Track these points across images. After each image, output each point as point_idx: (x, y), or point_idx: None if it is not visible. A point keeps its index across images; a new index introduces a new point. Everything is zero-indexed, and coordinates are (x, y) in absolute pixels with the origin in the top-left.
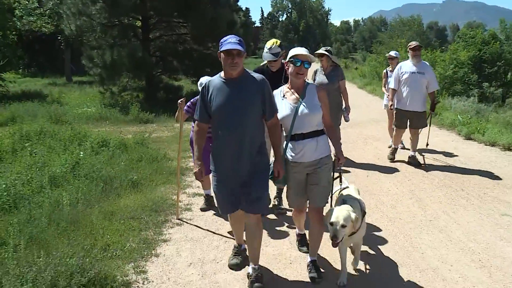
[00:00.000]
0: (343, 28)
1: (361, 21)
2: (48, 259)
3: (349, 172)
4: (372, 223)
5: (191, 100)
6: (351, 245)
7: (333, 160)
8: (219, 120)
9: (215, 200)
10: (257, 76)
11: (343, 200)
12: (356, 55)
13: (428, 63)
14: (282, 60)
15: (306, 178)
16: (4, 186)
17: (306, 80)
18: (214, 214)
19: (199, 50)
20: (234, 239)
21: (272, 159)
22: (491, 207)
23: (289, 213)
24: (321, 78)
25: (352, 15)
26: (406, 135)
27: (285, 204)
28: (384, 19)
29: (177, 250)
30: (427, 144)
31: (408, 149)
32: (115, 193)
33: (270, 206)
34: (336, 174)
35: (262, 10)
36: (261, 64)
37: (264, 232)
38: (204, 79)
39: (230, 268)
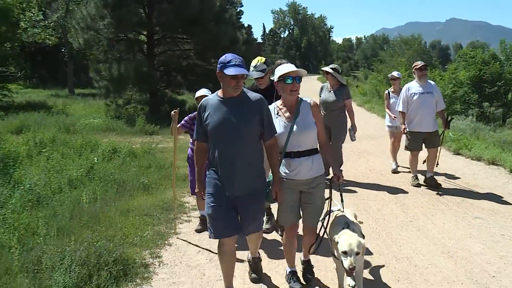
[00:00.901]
0: (345, 45)
1: (363, 38)
2: (77, 244)
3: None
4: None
5: (189, 116)
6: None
7: (331, 178)
8: (215, 139)
9: (208, 223)
10: (256, 95)
11: (346, 223)
12: (358, 73)
13: (433, 82)
14: (270, 77)
15: (299, 196)
16: (28, 186)
17: (299, 96)
18: None
19: (202, 65)
20: None
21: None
22: (466, 211)
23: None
24: (326, 95)
25: (355, 32)
26: (404, 155)
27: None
28: (386, 37)
29: (187, 241)
30: (437, 164)
31: (402, 168)
32: (128, 195)
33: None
34: (334, 193)
35: (264, 26)
36: (252, 83)
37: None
38: (201, 92)
39: None
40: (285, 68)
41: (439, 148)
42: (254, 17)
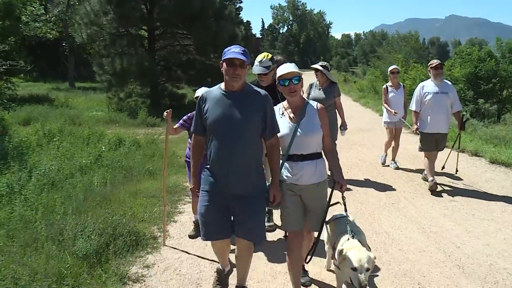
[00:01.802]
0: (344, 41)
1: (362, 34)
2: (94, 217)
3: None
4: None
5: (188, 115)
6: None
7: (333, 185)
8: (214, 134)
9: (199, 221)
10: (261, 91)
11: (352, 232)
12: (357, 68)
13: (449, 82)
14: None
15: (301, 199)
16: (43, 171)
17: (305, 97)
18: None
19: (202, 60)
20: None
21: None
22: (444, 196)
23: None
24: (317, 93)
25: (354, 28)
26: (404, 156)
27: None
28: (385, 33)
29: (190, 219)
30: (457, 171)
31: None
32: (135, 180)
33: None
34: (336, 200)
35: (263, 22)
36: (254, 79)
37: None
38: (201, 91)
39: None
40: (281, 69)
41: (457, 152)
42: (253, 12)
